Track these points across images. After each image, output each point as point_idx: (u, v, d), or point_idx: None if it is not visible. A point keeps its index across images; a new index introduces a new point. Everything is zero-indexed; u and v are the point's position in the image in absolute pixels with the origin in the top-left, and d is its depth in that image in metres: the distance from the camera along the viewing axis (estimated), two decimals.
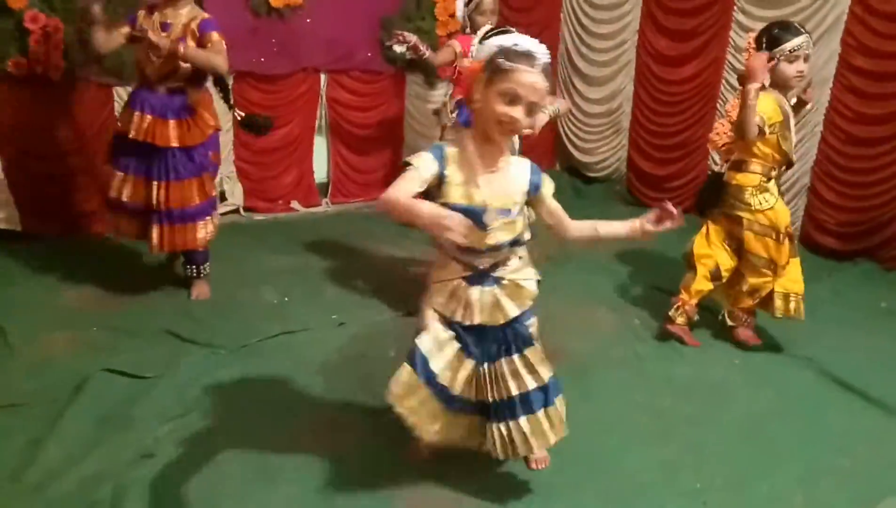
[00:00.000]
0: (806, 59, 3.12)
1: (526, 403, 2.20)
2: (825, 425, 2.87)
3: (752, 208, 3.28)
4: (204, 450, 2.50)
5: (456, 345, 2.19)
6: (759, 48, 3.14)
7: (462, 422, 2.28)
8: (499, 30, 3.46)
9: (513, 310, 2.20)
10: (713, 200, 3.43)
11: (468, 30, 4.62)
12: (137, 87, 3.48)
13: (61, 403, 2.70)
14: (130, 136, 3.35)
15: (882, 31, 4.36)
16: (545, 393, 2.23)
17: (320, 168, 5.52)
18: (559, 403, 2.27)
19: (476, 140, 2.08)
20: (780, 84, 3.15)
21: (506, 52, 1.96)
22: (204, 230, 3.57)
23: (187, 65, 3.35)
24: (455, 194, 2.05)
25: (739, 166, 3.32)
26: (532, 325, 2.33)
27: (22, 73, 4.00)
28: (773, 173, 3.28)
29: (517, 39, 2.00)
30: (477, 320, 2.17)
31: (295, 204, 5.35)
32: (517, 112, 1.97)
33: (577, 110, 6.20)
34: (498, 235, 2.10)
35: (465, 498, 2.36)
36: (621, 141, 6.05)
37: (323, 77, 5.24)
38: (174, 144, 3.40)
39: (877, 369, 3.29)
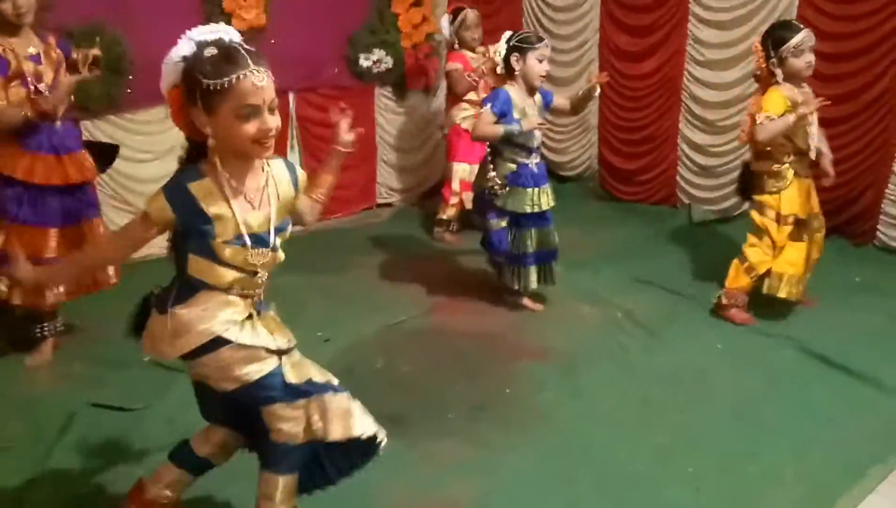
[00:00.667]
0: (811, 49, 3.33)
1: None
2: (810, 401, 2.93)
3: (764, 190, 3.49)
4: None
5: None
6: (765, 50, 3.38)
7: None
8: (522, 34, 3.61)
9: (289, 335, 2.05)
10: (745, 186, 3.67)
11: (456, 46, 4.83)
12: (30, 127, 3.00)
13: (50, 441, 2.67)
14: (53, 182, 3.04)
15: (834, 13, 4.47)
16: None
17: None
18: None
19: (230, 164, 1.79)
20: (792, 77, 3.37)
21: (203, 70, 1.66)
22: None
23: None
24: (222, 229, 1.78)
25: (757, 156, 3.54)
26: None
27: None
28: (788, 160, 3.44)
29: (201, 45, 1.71)
30: (286, 346, 1.98)
31: None
32: (268, 122, 1.72)
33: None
34: (282, 251, 1.94)
35: (455, 500, 2.38)
36: (591, 139, 6.13)
37: (291, 96, 5.25)
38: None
39: (855, 342, 3.37)
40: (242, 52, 1.70)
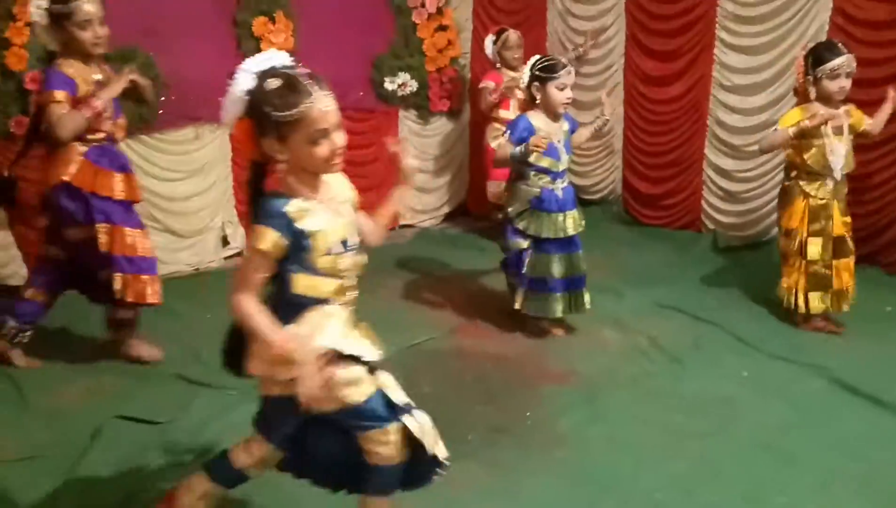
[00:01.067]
0: (848, 75, 3.40)
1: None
2: (838, 432, 2.87)
3: (778, 205, 3.69)
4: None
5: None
6: (806, 66, 3.46)
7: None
8: (545, 61, 3.56)
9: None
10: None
11: (498, 65, 4.90)
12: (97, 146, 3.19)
13: (77, 452, 2.70)
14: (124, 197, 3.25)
15: (864, 39, 4.44)
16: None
17: None
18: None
19: (304, 178, 1.89)
20: (824, 98, 3.44)
21: (273, 103, 1.75)
22: None
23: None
24: (323, 240, 1.88)
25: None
26: None
27: (25, 132, 4.00)
28: (797, 178, 3.56)
29: (261, 76, 1.79)
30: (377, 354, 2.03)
31: None
32: (337, 140, 1.83)
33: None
34: (362, 254, 2.04)
35: None
36: (615, 162, 6.11)
37: None
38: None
39: (886, 373, 3.31)
40: (303, 79, 1.77)
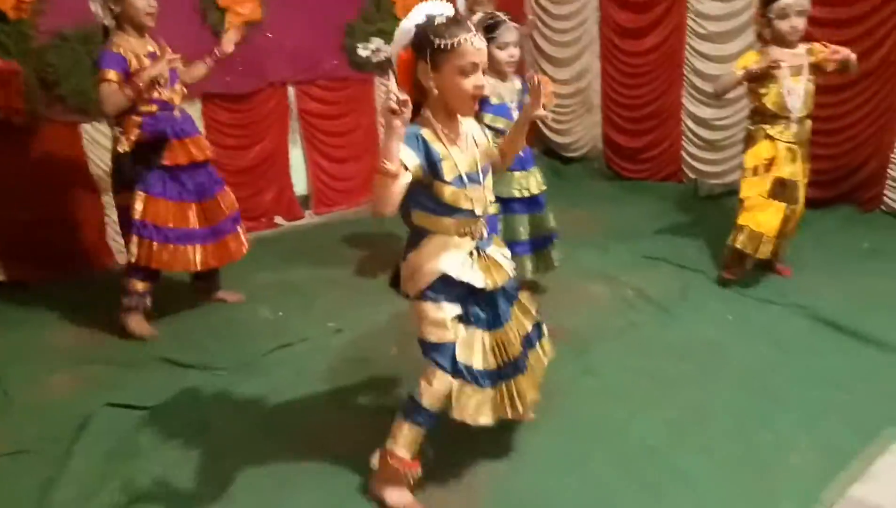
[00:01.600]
0: (799, 14, 3.33)
1: (528, 342, 2.33)
2: (822, 367, 2.92)
3: (744, 149, 3.63)
4: (217, 469, 2.51)
5: (480, 331, 2.19)
6: (761, 8, 3.44)
7: (497, 394, 2.26)
8: (492, 17, 3.45)
9: (511, 266, 2.28)
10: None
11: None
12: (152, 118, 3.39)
13: (68, 442, 2.70)
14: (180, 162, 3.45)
15: None
16: (539, 328, 2.41)
17: (300, 181, 5.54)
18: (545, 330, 2.47)
19: (440, 117, 2.06)
20: (778, 40, 3.40)
21: (437, 31, 1.95)
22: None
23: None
24: (450, 170, 2.05)
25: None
26: None
27: None
28: (761, 121, 3.52)
29: (435, 10, 2.00)
30: (511, 274, 2.22)
31: (278, 219, 5.36)
32: (480, 78, 1.99)
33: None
34: (490, 190, 2.17)
35: (475, 486, 2.39)
36: (594, 118, 6.10)
37: (291, 90, 5.26)
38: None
39: (865, 307, 3.36)
40: (465, 20, 2.00)
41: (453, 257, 2.10)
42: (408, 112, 1.81)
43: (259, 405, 2.92)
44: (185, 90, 3.56)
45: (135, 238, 3.42)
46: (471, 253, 2.13)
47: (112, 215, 4.47)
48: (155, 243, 3.43)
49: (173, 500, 2.38)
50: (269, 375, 3.15)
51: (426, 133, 2.04)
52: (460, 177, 2.06)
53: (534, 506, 2.28)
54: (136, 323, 3.56)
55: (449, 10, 2.03)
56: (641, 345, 3.24)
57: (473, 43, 1.95)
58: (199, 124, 4.81)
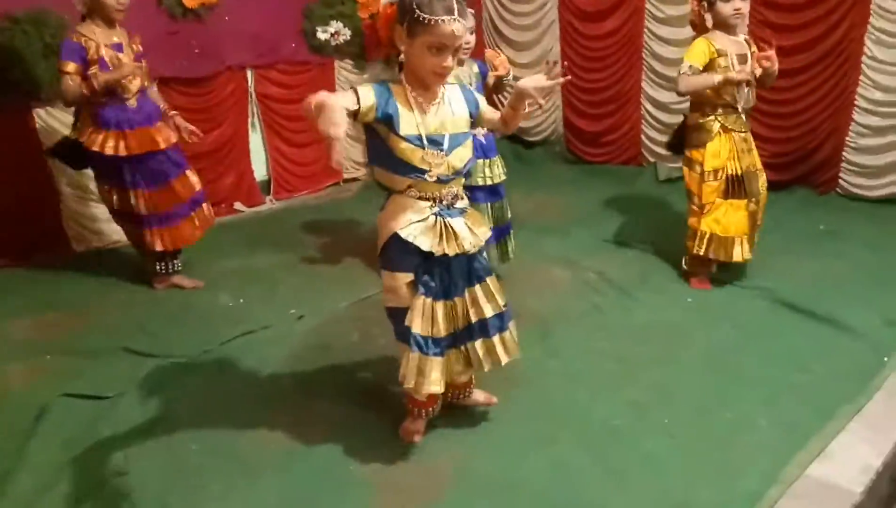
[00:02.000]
0: None
1: (483, 328, 2.31)
2: (780, 348, 2.99)
3: (691, 144, 3.40)
4: (179, 458, 2.47)
5: (428, 299, 2.20)
6: None
7: (449, 360, 2.32)
8: None
9: (485, 234, 2.29)
10: (677, 141, 3.54)
11: None
12: (102, 108, 3.47)
13: (25, 433, 2.63)
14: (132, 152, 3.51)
15: None
16: (501, 320, 2.34)
17: (260, 166, 5.46)
18: (512, 327, 2.41)
19: (411, 79, 2.11)
20: (721, 25, 3.24)
21: (423, 3, 1.98)
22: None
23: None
24: (407, 125, 2.08)
25: (690, 106, 3.45)
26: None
27: None
28: (714, 113, 3.32)
29: None
30: (468, 248, 2.20)
31: (238, 205, 5.28)
32: (448, 61, 2.03)
33: (512, 74, 6.22)
34: (459, 159, 2.17)
35: (439, 468, 2.39)
36: (555, 102, 6.12)
37: (249, 74, 5.17)
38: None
39: (822, 288, 3.44)
40: (454, 4, 1.99)
41: (408, 218, 2.15)
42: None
43: (220, 393, 2.87)
44: (146, 83, 3.60)
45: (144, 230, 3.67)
46: (428, 218, 2.16)
47: (66, 203, 4.41)
48: (156, 228, 3.67)
49: (134, 490, 2.33)
50: (230, 363, 3.11)
51: (395, 88, 2.10)
52: (419, 137, 2.09)
53: (498, 488, 2.29)
54: (179, 280, 3.87)
55: None
56: (604, 328, 3.27)
57: (451, 26, 1.97)
58: None
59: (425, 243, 2.14)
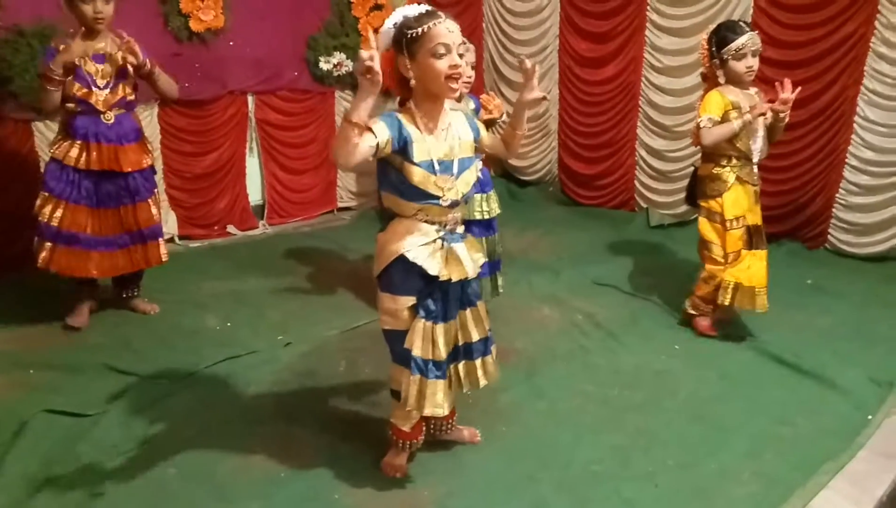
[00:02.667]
0: (754, 54, 3.25)
1: (468, 351, 2.35)
2: (765, 400, 2.99)
3: (707, 194, 3.43)
4: (156, 482, 2.45)
5: (429, 323, 2.21)
6: (710, 49, 3.32)
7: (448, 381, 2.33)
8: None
9: (481, 260, 2.34)
10: (690, 191, 3.58)
11: None
12: (74, 118, 3.39)
13: (2, 447, 2.60)
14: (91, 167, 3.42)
15: (787, 23, 4.58)
16: (485, 345, 2.39)
17: (255, 191, 5.47)
18: (494, 352, 2.44)
19: (422, 106, 2.14)
20: (734, 80, 3.29)
21: (409, 23, 2.06)
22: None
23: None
24: (420, 152, 2.11)
25: (702, 158, 3.49)
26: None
27: None
28: (728, 164, 3.36)
29: (411, 11, 2.09)
30: (469, 274, 2.23)
31: (231, 228, 5.28)
32: (455, 60, 2.06)
33: (506, 116, 6.30)
34: (465, 184, 2.21)
35: (422, 502, 2.38)
36: (551, 143, 6.18)
37: (250, 99, 5.20)
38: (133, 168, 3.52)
39: (808, 343, 3.45)
40: (438, 11, 2.08)
41: (414, 242, 2.17)
42: (379, 75, 1.87)
43: (202, 417, 2.85)
44: (128, 96, 3.50)
45: (37, 239, 3.47)
46: (434, 242, 2.19)
47: None
48: (49, 244, 3.45)
49: None
50: (214, 386, 3.09)
51: (404, 117, 2.13)
52: (431, 162, 2.12)
53: None
54: (71, 317, 3.61)
55: (421, 7, 2.11)
56: (590, 370, 3.27)
57: (443, 26, 2.03)
58: (155, 129, 4.75)
59: (433, 266, 2.17)
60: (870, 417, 2.85)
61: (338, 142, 1.96)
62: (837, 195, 4.65)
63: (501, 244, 3.72)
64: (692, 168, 3.64)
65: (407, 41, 2.06)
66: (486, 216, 3.56)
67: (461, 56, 2.08)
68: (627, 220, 5.57)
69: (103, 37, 3.38)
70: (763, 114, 3.27)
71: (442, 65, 2.04)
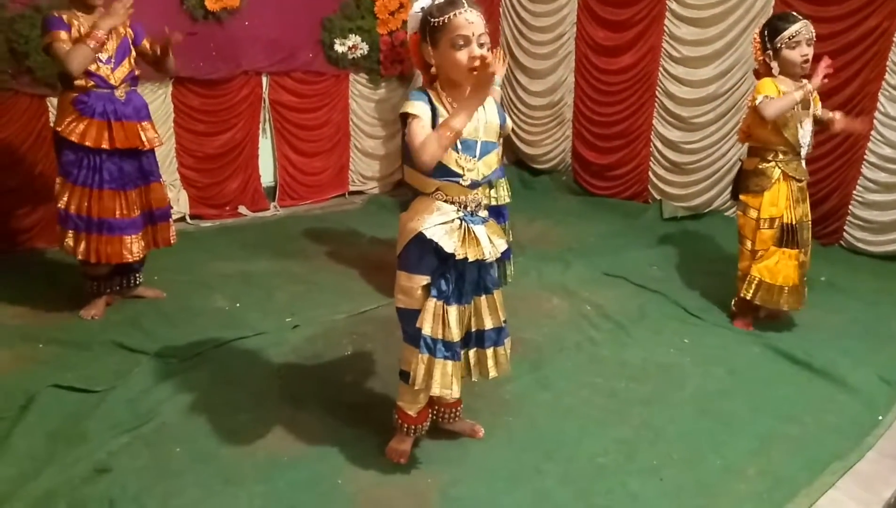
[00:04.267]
0: (808, 42, 3.21)
1: (479, 339, 2.36)
2: (773, 397, 2.96)
3: (749, 189, 3.40)
4: (161, 461, 2.45)
5: (440, 302, 2.21)
6: (762, 41, 3.28)
7: (461, 364, 2.34)
8: None
9: (502, 246, 2.31)
10: (734, 185, 3.55)
11: None
12: (88, 95, 3.23)
13: (9, 421, 2.61)
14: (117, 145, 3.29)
15: (809, 15, 4.38)
16: (498, 334, 2.38)
17: (267, 172, 5.46)
18: (507, 344, 2.43)
19: (447, 90, 2.14)
20: (787, 71, 3.25)
21: (432, 11, 2.08)
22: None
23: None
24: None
25: (748, 152, 3.47)
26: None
27: None
28: (775, 159, 3.32)
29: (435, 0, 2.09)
30: (486, 256, 2.21)
31: (242, 209, 5.28)
32: (476, 51, 2.06)
33: (520, 103, 6.27)
34: (487, 166, 2.22)
35: (426, 489, 2.37)
36: (565, 132, 6.14)
37: (264, 80, 5.19)
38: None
39: (819, 341, 3.42)
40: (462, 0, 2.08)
41: (433, 220, 2.17)
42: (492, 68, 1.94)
43: (209, 397, 2.85)
44: (135, 71, 3.40)
45: (67, 231, 3.34)
46: (453, 221, 2.18)
47: None
48: (84, 235, 3.33)
49: (113, 489, 2.31)
50: (221, 367, 3.09)
51: (432, 94, 2.14)
52: (462, 140, 2.13)
53: None
54: (87, 309, 3.51)
55: None
56: (597, 362, 3.26)
57: (464, 16, 2.04)
58: (169, 108, 4.75)
59: (449, 244, 2.15)
60: (880, 417, 2.83)
61: (434, 147, 1.98)
62: (855, 192, 4.60)
63: (512, 233, 3.70)
64: (738, 162, 3.57)
65: (430, 29, 2.09)
66: (495, 203, 3.54)
67: (482, 45, 2.06)
68: (640, 211, 5.53)
69: (97, 15, 3.23)
70: (821, 83, 3.22)
71: (461, 56, 2.05)
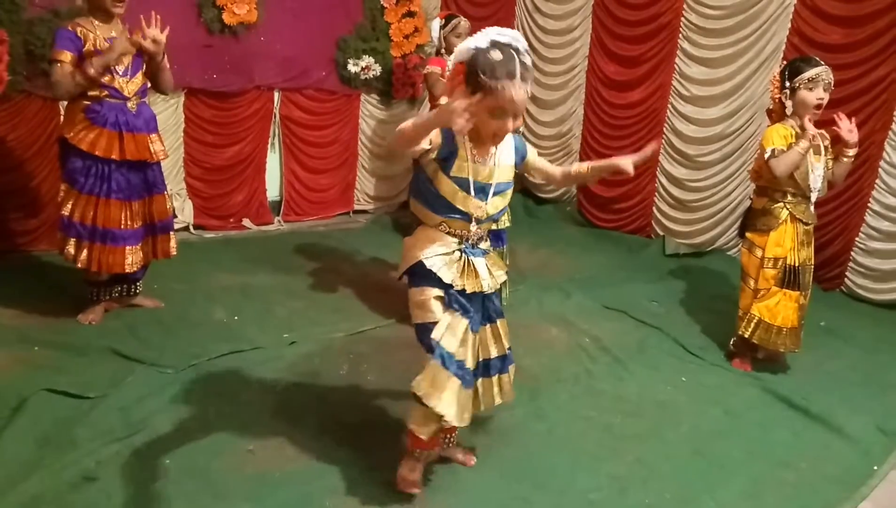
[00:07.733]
0: (826, 88, 3.23)
1: (486, 368, 2.37)
2: (769, 441, 2.94)
3: (756, 227, 3.42)
4: (150, 472, 2.43)
5: (464, 321, 2.21)
6: (782, 81, 3.30)
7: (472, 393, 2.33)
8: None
9: (502, 277, 2.35)
10: (742, 222, 3.57)
11: (443, 52, 4.61)
12: (101, 104, 3.25)
13: (1, 422, 2.60)
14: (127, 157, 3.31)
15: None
16: (503, 362, 2.42)
17: (273, 186, 5.48)
18: (511, 371, 2.47)
19: (469, 135, 2.14)
20: (800, 112, 3.26)
21: (485, 68, 2.00)
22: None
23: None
24: (459, 169, 2.15)
25: (756, 191, 3.50)
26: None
27: None
28: (783, 199, 3.34)
29: (494, 44, 2.02)
30: (485, 289, 2.24)
31: (246, 222, 5.29)
32: (508, 125, 2.08)
33: (528, 133, 6.30)
34: (494, 207, 2.24)
35: None
36: (572, 163, 6.14)
37: (276, 95, 5.22)
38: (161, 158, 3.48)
39: (817, 386, 3.40)
40: (518, 64, 2.02)
41: (434, 250, 2.20)
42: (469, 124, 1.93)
43: (201, 410, 2.84)
44: (147, 84, 3.42)
45: (69, 239, 3.34)
46: (454, 253, 2.22)
47: None
48: (87, 243, 3.33)
49: (101, 498, 2.29)
50: (216, 379, 3.08)
51: (458, 138, 2.15)
52: (467, 180, 2.16)
53: None
54: (85, 314, 3.52)
55: (517, 41, 2.06)
56: (594, 395, 3.24)
57: (511, 91, 2.01)
58: (180, 118, 4.78)
59: (447, 275, 2.19)
60: (875, 467, 2.80)
61: (406, 133, 2.00)
62: (857, 239, 4.61)
63: (510, 258, 3.70)
64: (744, 201, 3.60)
65: (476, 81, 2.02)
66: (495, 227, 3.54)
67: (516, 117, 2.08)
68: (643, 246, 5.54)
69: (115, 23, 3.27)
70: (814, 139, 3.22)
71: (493, 125, 2.08)
